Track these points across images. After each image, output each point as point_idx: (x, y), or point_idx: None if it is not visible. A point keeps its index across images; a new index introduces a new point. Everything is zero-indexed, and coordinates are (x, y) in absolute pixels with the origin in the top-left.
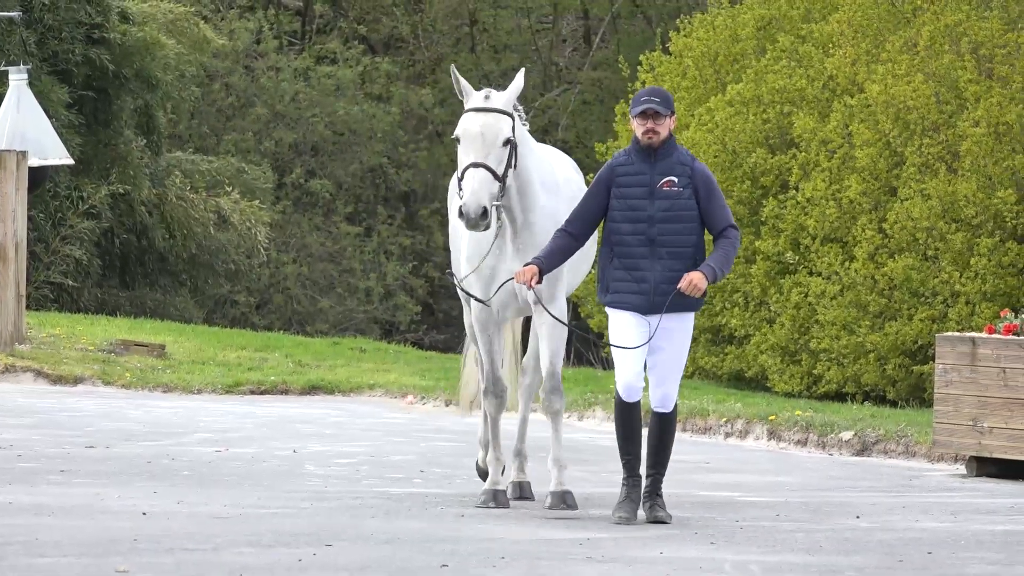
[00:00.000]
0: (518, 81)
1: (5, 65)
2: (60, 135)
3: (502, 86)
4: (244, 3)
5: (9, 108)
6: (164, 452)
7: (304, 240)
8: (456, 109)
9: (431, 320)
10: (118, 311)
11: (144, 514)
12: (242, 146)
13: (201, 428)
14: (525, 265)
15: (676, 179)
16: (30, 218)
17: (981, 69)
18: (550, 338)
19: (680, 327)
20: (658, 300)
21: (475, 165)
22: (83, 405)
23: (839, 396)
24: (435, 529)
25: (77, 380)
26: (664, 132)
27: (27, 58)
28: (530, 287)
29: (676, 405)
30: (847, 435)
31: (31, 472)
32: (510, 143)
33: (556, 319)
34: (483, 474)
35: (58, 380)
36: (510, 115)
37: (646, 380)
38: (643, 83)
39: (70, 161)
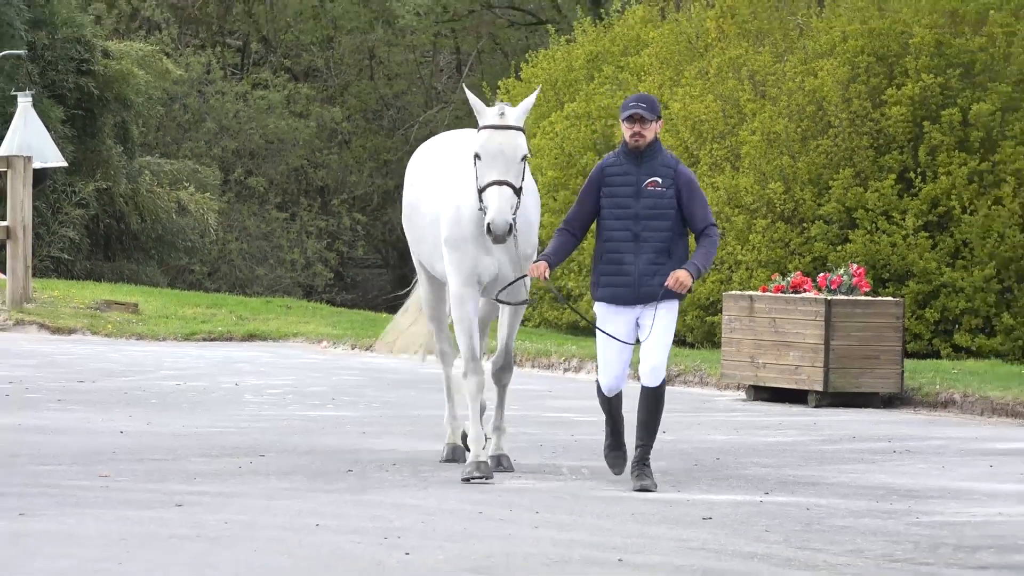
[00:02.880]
0: (531, 98)
1: (15, 91)
2: (57, 144)
3: (395, 107)
4: (197, 43)
5: (18, 124)
6: (137, 385)
7: (244, 223)
8: (360, 123)
9: (341, 284)
10: (102, 278)
11: (121, 432)
12: (196, 152)
13: (165, 367)
14: (535, 262)
15: (660, 180)
16: (34, 208)
17: (756, 91)
18: (511, 318)
19: (666, 306)
20: (643, 291)
21: (499, 183)
22: (75, 350)
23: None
24: (343, 443)
25: (71, 331)
26: (650, 136)
27: (31, 85)
28: (544, 279)
29: (664, 379)
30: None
31: (35, 401)
32: (526, 159)
33: (581, 316)
34: (450, 449)
35: (56, 331)
36: (523, 130)
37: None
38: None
39: (64, 164)
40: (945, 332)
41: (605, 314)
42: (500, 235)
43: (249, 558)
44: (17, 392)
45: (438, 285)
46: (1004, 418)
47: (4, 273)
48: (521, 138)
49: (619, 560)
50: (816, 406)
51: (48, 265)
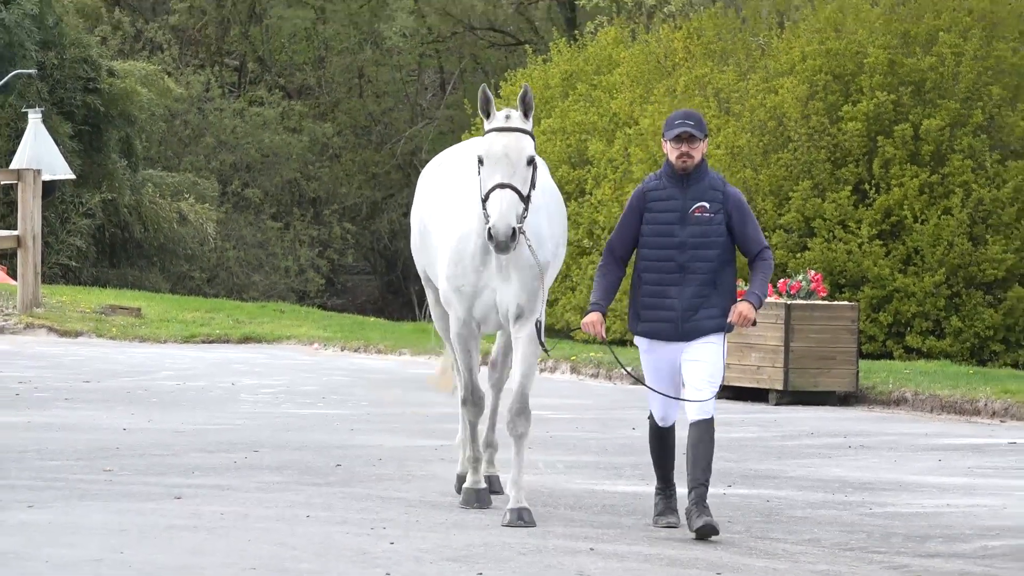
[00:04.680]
0: (529, 99)
1: (25, 108)
2: (65, 158)
3: (383, 122)
4: (197, 63)
5: (28, 139)
6: (139, 385)
7: (241, 232)
8: (350, 138)
9: (332, 289)
10: (107, 284)
11: (124, 429)
12: (196, 165)
13: (166, 368)
14: (587, 313)
15: (708, 204)
16: (44, 218)
17: (721, 107)
18: (524, 357)
19: (713, 339)
20: (686, 327)
21: (502, 186)
22: (82, 351)
23: (622, 342)
24: (332, 439)
25: (78, 334)
26: (698, 156)
27: (41, 103)
28: (602, 338)
29: (714, 414)
30: (628, 369)
31: (43, 400)
32: (533, 162)
33: (629, 374)
34: (462, 480)
35: (64, 334)
36: (531, 134)
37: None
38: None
39: (72, 176)
40: (897, 334)
41: (647, 349)
42: (503, 241)
43: (243, 547)
44: (26, 391)
45: None
46: (952, 415)
47: (15, 279)
48: (527, 141)
49: (591, 549)
50: (776, 404)
51: (56, 272)
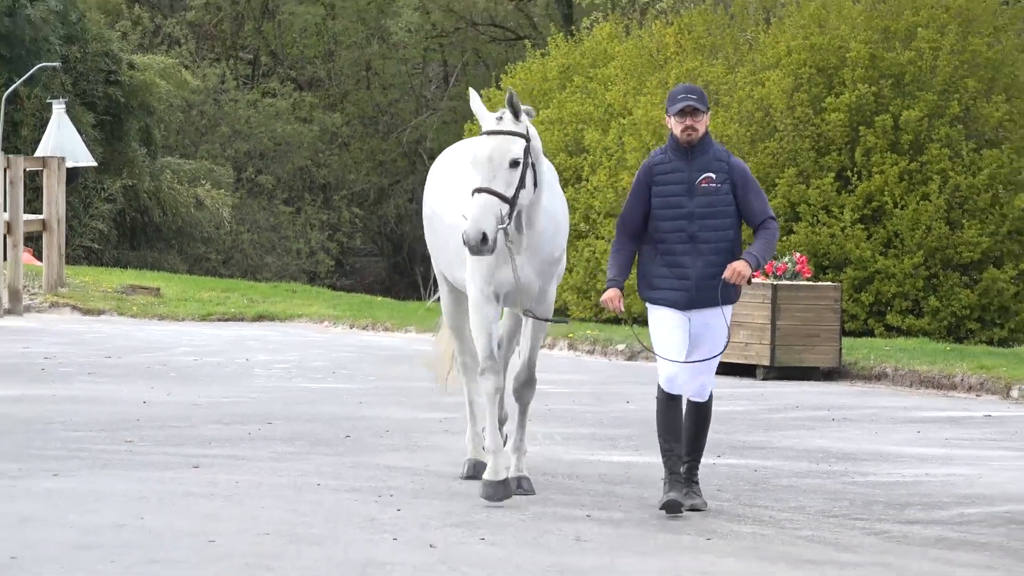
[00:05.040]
0: (516, 103)
1: (50, 99)
2: (88, 146)
3: (389, 113)
4: (213, 56)
5: (53, 128)
6: (159, 361)
7: (255, 217)
8: (358, 128)
9: (341, 271)
10: (128, 265)
11: (144, 402)
12: (212, 153)
13: (184, 344)
14: (605, 290)
15: (714, 175)
16: (68, 203)
17: (710, 99)
18: (534, 331)
19: (718, 321)
20: (698, 295)
21: (479, 190)
22: (104, 329)
23: (615, 320)
24: (341, 411)
25: (100, 312)
26: (702, 129)
27: (65, 94)
28: (620, 312)
29: (712, 394)
30: (621, 346)
31: (68, 374)
32: (519, 164)
33: (646, 348)
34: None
35: (87, 312)
36: (523, 135)
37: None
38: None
39: (94, 164)
40: (878, 313)
41: (657, 318)
42: (474, 246)
43: (257, 513)
44: (52, 366)
45: (459, 295)
46: (930, 389)
47: (41, 261)
48: (515, 143)
49: (587, 516)
50: (763, 379)
51: (80, 254)
